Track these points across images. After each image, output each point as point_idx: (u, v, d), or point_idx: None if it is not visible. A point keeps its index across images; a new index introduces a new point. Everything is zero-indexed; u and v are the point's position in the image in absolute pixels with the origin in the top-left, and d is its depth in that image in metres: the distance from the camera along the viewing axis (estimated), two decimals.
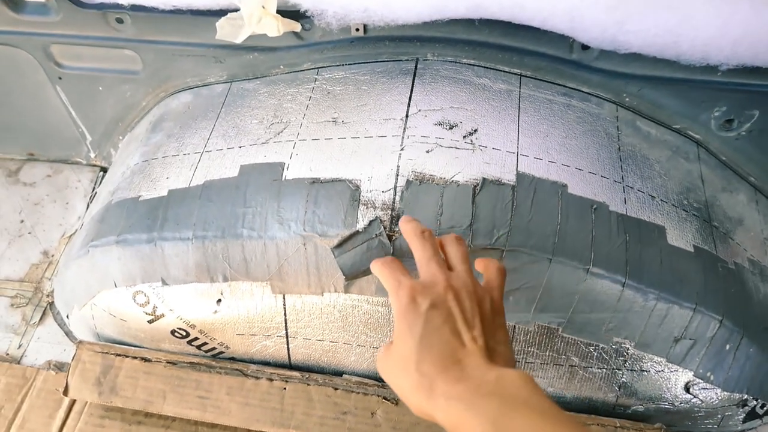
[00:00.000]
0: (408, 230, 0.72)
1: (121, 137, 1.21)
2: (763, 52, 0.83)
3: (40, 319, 1.09)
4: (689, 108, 0.98)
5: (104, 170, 1.29)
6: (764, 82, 0.91)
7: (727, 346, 0.86)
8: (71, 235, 1.19)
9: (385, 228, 0.81)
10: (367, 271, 0.81)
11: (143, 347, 0.99)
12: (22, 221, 1.22)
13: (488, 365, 0.58)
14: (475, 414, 0.53)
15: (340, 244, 0.81)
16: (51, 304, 1.11)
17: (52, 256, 1.17)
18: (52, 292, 1.11)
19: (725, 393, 0.89)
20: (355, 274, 0.82)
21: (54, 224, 1.22)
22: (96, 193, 1.22)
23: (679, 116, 0.99)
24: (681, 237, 0.88)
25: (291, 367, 0.98)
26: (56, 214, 1.23)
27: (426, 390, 0.57)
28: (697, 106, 0.97)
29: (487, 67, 0.99)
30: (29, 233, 1.20)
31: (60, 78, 1.12)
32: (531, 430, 0.51)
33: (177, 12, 0.98)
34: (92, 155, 1.28)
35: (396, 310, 0.64)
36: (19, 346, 1.06)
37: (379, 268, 0.70)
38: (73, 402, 0.98)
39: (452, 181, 0.84)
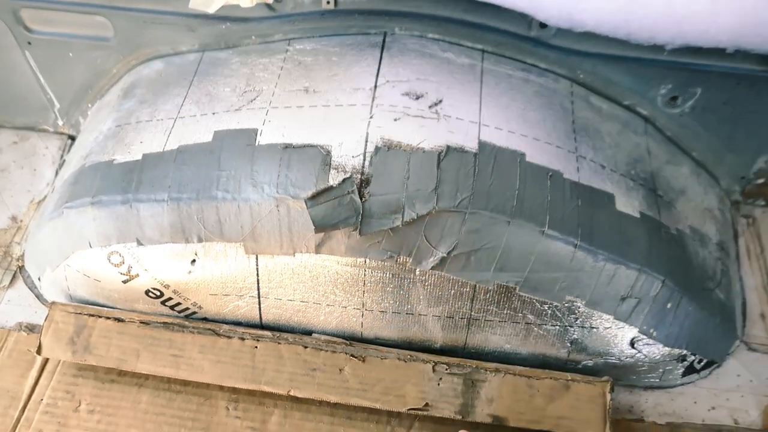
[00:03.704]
0: None
1: (90, 105, 1.22)
2: (704, 33, 0.90)
3: (10, 282, 1.10)
4: (638, 85, 1.05)
5: (72, 138, 1.29)
6: (706, 62, 0.98)
7: (669, 305, 0.94)
8: (40, 201, 1.19)
9: (356, 188, 0.85)
10: (335, 226, 0.86)
11: (117, 308, 1.01)
12: None
13: None
14: None
15: (313, 197, 0.85)
16: (21, 267, 1.12)
17: (21, 221, 1.18)
18: (22, 255, 1.12)
19: (666, 348, 0.97)
20: (323, 226, 0.86)
21: (22, 190, 1.22)
22: (65, 160, 1.23)
23: (630, 93, 1.06)
24: (628, 204, 0.95)
25: (262, 327, 1.02)
26: (24, 180, 1.24)
27: None
28: (646, 83, 1.04)
29: (452, 42, 1.04)
30: None
31: (29, 43, 1.13)
32: None
33: None
34: (60, 123, 1.28)
35: None
36: None
37: None
38: (46, 362, 0.99)
39: (418, 148, 0.89)
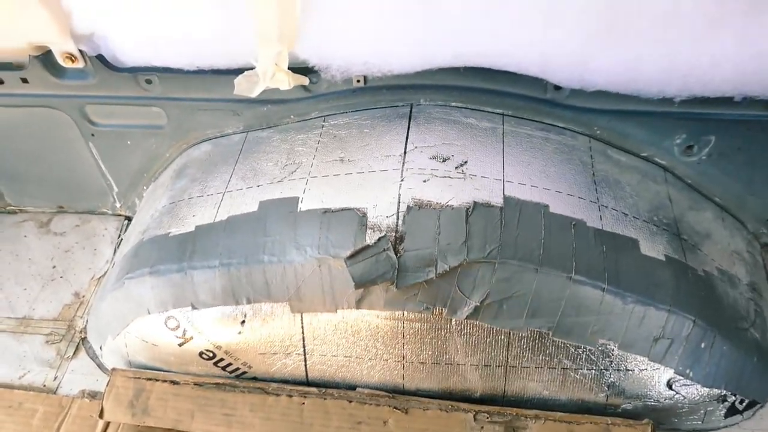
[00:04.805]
0: None
1: (145, 187, 1.33)
2: (708, 84, 0.96)
3: (74, 353, 1.18)
4: (653, 137, 1.11)
5: (128, 219, 1.40)
6: (715, 111, 1.04)
7: (703, 344, 0.96)
8: (100, 277, 1.29)
9: (391, 245, 0.92)
10: (374, 281, 0.92)
11: (172, 371, 1.07)
12: (54, 267, 1.33)
13: None
14: None
15: (352, 256, 0.92)
16: (83, 339, 1.20)
17: (83, 296, 1.27)
18: (85, 328, 1.21)
19: (705, 389, 0.98)
20: (363, 282, 0.92)
21: (84, 268, 1.32)
22: (122, 239, 1.34)
23: (646, 144, 1.12)
24: (652, 248, 0.99)
25: (309, 384, 1.07)
26: (85, 259, 1.34)
27: None
28: (660, 134, 1.10)
29: (473, 109, 1.13)
30: (61, 277, 1.31)
31: (93, 135, 1.25)
32: None
33: (200, 72, 1.12)
34: (118, 205, 1.40)
35: None
36: (55, 378, 1.15)
37: None
38: (107, 425, 1.05)
39: (447, 205, 0.96)
